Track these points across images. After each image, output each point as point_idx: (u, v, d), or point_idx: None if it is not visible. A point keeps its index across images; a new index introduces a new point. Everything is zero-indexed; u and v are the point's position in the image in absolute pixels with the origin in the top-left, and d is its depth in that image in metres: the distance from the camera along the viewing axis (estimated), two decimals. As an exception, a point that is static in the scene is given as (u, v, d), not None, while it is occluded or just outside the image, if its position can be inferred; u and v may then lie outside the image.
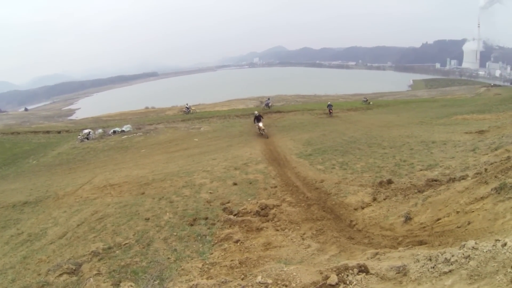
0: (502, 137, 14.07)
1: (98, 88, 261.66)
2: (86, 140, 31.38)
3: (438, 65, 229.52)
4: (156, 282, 6.46)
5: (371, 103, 50.37)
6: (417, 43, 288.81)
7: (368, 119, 32.02)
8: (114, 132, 33.61)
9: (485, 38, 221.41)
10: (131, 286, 6.41)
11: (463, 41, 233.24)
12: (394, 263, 4.51)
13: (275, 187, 12.08)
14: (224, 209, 10.29)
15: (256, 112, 25.77)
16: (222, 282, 4.95)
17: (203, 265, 7.26)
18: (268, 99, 49.42)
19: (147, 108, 73.32)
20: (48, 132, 39.60)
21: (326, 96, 67.16)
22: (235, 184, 12.65)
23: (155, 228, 9.32)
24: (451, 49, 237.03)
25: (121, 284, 6.58)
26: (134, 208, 10.96)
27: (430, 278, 3.80)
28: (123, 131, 33.76)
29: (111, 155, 24.79)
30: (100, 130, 34.66)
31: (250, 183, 12.71)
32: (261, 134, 24.09)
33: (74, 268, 7.49)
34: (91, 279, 6.90)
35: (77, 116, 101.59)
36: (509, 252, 3.49)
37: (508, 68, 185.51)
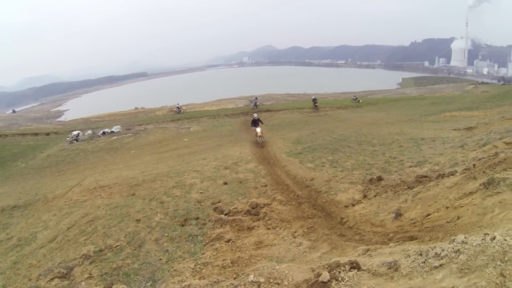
0: (490, 133, 14.23)
1: (87, 88, 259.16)
2: (75, 141, 31.12)
3: (427, 63, 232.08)
4: (149, 284, 6.43)
5: (360, 101, 50.65)
6: (406, 42, 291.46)
7: (357, 117, 32.24)
8: (104, 133, 33.38)
9: (473, 36, 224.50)
10: (123, 288, 6.38)
11: (452, 39, 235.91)
12: (385, 259, 4.53)
13: (266, 186, 12.08)
14: (215, 209, 10.26)
15: (255, 115, 22.12)
16: (215, 282, 4.93)
17: (195, 265, 7.24)
18: (256, 98, 49.18)
19: (136, 108, 72.94)
20: (36, 134, 39.10)
21: (315, 95, 67.56)
22: (225, 183, 12.62)
23: (146, 229, 9.26)
24: (439, 47, 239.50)
25: (113, 286, 6.53)
26: (125, 209, 10.87)
27: (421, 273, 3.82)
28: (112, 132, 33.55)
29: (101, 156, 24.62)
30: (89, 132, 34.40)
31: (241, 182, 12.69)
32: (257, 141, 20.72)
33: (65, 272, 7.41)
34: (83, 282, 6.85)
35: (66, 117, 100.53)
36: (498, 246, 3.52)
37: (496, 66, 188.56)
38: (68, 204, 12.91)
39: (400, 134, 18.38)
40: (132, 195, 12.56)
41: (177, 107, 49.27)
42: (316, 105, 42.11)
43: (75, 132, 32.96)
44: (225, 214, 9.78)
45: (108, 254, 8.12)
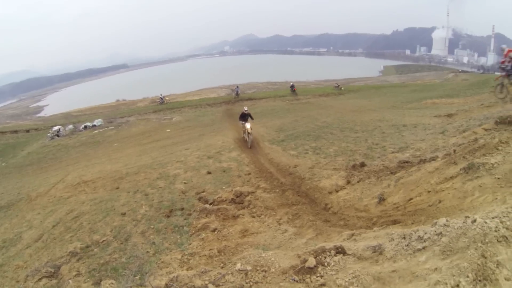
0: (470, 120, 14.47)
1: (67, 82, 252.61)
2: (56, 137, 30.63)
3: (408, 52, 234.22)
4: (137, 277, 6.40)
5: (342, 88, 51.03)
6: (388, 31, 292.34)
7: (340, 104, 32.40)
8: (85, 127, 32.96)
9: (454, 26, 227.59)
10: (112, 284, 6.30)
11: (433, 29, 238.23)
12: (370, 243, 4.60)
13: (249, 174, 12.10)
14: (199, 199, 10.24)
15: (245, 108, 17.92)
16: (202, 272, 4.93)
17: (182, 256, 7.23)
18: (237, 87, 49.13)
19: (118, 101, 72.05)
20: (16, 131, 38.42)
21: (297, 83, 67.46)
22: (209, 173, 12.58)
23: (132, 222, 9.19)
24: (421, 36, 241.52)
25: (102, 282, 6.46)
26: (110, 203, 10.77)
27: (405, 256, 3.90)
28: (94, 125, 33.16)
29: (83, 151, 24.26)
30: (70, 126, 33.93)
31: (224, 171, 12.67)
32: (245, 139, 17.20)
33: (53, 271, 7.32)
34: (70, 281, 6.78)
35: (46, 113, 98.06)
36: (479, 228, 3.60)
37: (476, 56, 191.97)
38: (52, 201, 12.69)
39: (382, 121, 18.55)
40: (116, 189, 12.42)
41: (160, 97, 48.91)
42: (294, 90, 44.19)
43: (56, 128, 32.42)
44: (210, 204, 9.76)
45: (95, 250, 8.05)
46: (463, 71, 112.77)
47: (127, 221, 9.27)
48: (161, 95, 50.48)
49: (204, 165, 13.52)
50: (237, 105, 37.25)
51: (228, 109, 34.24)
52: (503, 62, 14.37)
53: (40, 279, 7.11)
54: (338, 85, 52.61)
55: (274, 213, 8.92)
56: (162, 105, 45.27)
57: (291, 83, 49.03)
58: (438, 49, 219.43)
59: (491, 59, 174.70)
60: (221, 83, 79.30)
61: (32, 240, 9.45)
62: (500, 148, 7.25)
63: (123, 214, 9.73)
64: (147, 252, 7.61)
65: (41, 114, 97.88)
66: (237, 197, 9.88)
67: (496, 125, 9.53)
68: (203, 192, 10.76)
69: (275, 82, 76.35)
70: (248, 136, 16.71)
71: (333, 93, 46.44)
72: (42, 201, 13.04)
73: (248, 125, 16.84)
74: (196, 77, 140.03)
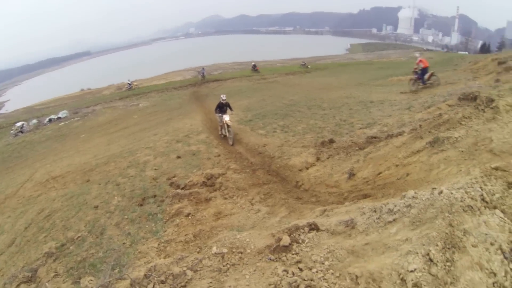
0: (434, 96, 14.86)
1: (28, 74, 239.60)
2: (20, 133, 29.24)
3: (374, 30, 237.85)
4: (116, 271, 6.30)
5: (309, 66, 50.96)
6: (355, 9, 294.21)
7: (307, 82, 32.44)
8: (50, 120, 31.71)
9: (419, 6, 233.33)
10: (91, 280, 6.19)
11: (399, 8, 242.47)
12: (342, 217, 4.70)
13: (219, 155, 12.04)
14: (171, 184, 10.12)
15: (223, 97, 14.74)
16: (179, 258, 4.92)
17: (159, 244, 7.18)
18: (203, 68, 48.10)
19: (82, 90, 69.36)
20: (-25, 132, 36.54)
21: (264, 62, 66.94)
22: (178, 157, 12.41)
23: (105, 215, 8.98)
24: (387, 15, 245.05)
25: (81, 280, 6.32)
26: (81, 197, 10.44)
27: (376, 228, 4.01)
28: (59, 118, 31.97)
29: (50, 145, 23.32)
30: (34, 121, 32.52)
31: (194, 154, 12.54)
32: (223, 135, 14.57)
33: (30, 275, 7.05)
34: (47, 284, 6.61)
35: (7, 109, 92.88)
36: (446, 199, 3.74)
37: (440, 35, 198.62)
38: (22, 202, 12.16)
39: (349, 98, 18.77)
40: (87, 182, 12.07)
41: (128, 83, 47.75)
42: (257, 69, 46.07)
43: (19, 124, 30.97)
44: (182, 189, 9.67)
45: (71, 247, 7.81)
46: (428, 50, 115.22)
47: (100, 214, 9.05)
48: (128, 80, 49.19)
49: (173, 150, 13.32)
50: (203, 87, 36.91)
51: (195, 92, 33.74)
52: (415, 68, 19.27)
53: (18, 286, 6.86)
54: (305, 64, 52.44)
55: (246, 193, 8.94)
56: (130, 90, 44.22)
57: (253, 63, 49.92)
58: (404, 28, 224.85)
59: (455, 38, 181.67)
60: (187, 65, 77.57)
61: (5, 246, 9.04)
62: (463, 122, 7.53)
63: (96, 207, 9.49)
64: (124, 243, 7.49)
65: (2, 111, 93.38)
66: (208, 179, 9.83)
67: (459, 101, 9.82)
68: (174, 177, 10.62)
69: (241, 62, 75.07)
70: (228, 131, 13.98)
71: (300, 71, 46.33)
72: (11, 203, 12.45)
73: (227, 118, 14.06)
74: (162, 60, 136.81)
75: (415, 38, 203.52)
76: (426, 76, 18.84)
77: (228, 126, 13.92)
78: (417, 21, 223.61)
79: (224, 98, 14.64)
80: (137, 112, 28.00)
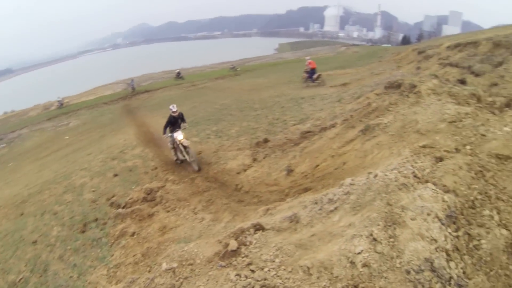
0: (362, 87, 15.61)
1: None
2: None
3: (302, 29, 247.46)
4: None
5: (238, 69, 51.31)
6: (282, 10, 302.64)
7: (237, 85, 32.52)
8: (-31, 152, 29.27)
9: (344, 4, 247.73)
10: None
11: (325, 7, 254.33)
12: (286, 214, 4.71)
13: (156, 168, 11.68)
14: (111, 204, 9.61)
15: (172, 108, 11.28)
16: (131, 282, 4.71)
17: (108, 270, 6.78)
18: (132, 80, 46.98)
19: (6, 113, 64.28)
20: None
21: (193, 68, 66.56)
22: (116, 175, 11.85)
23: (46, 249, 8.29)
24: (314, 14, 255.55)
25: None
26: (17, 234, 9.57)
27: (319, 219, 4.07)
28: (-20, 148, 29.61)
29: (-29, 182, 21.55)
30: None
31: (130, 170, 12.06)
32: (180, 160, 11.59)
33: None
34: None
35: None
36: (381, 181, 3.92)
37: (364, 30, 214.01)
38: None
39: (280, 96, 19.07)
40: (20, 215, 11.08)
41: (58, 101, 45.05)
42: (180, 76, 46.99)
43: None
44: (123, 207, 9.22)
45: (15, 292, 7.22)
46: (354, 45, 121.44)
47: (40, 249, 8.36)
48: (59, 98, 46.44)
49: (109, 168, 12.73)
50: (134, 99, 35.95)
51: (126, 105, 32.64)
52: (306, 70, 22.47)
53: None
54: (234, 66, 52.81)
55: (188, 203, 8.76)
56: (61, 109, 41.84)
57: (177, 70, 50.34)
58: (330, 26, 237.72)
59: (378, 33, 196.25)
60: (116, 78, 75.01)
61: None
62: (390, 109, 8.01)
63: (35, 242, 8.75)
64: (71, 277, 6.98)
65: None
66: (148, 194, 9.51)
67: (386, 89, 10.39)
68: (114, 196, 10.12)
69: (171, 70, 73.82)
70: (187, 153, 10.93)
71: (229, 74, 46.47)
72: None
73: (180, 136, 10.87)
74: (90, 74, 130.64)
75: (341, 34, 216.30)
76: (314, 76, 22.00)
77: (185, 147, 10.93)
78: (342, 18, 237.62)
79: (174, 109, 11.29)
80: (67, 132, 26.50)
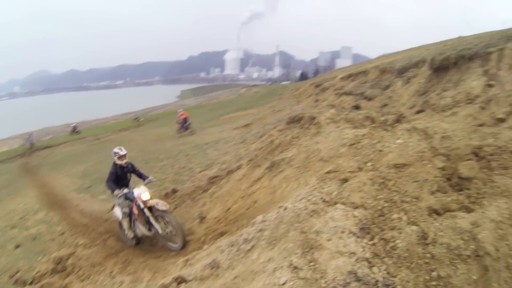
0: (265, 125, 16.29)
1: None
2: None
3: (203, 74, 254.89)
4: None
5: (142, 119, 51.26)
6: (184, 56, 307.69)
7: (140, 136, 32.23)
8: None
9: (244, 48, 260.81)
10: None
11: (225, 51, 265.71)
12: (205, 261, 4.67)
13: (63, 233, 10.62)
14: (16, 282, 8.44)
15: (120, 152, 7.84)
16: None
17: None
18: (31, 135, 42.31)
19: None
20: None
21: (96, 121, 63.91)
22: (17, 246, 10.48)
23: None
24: (215, 59, 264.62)
25: None
26: None
27: (239, 260, 4.10)
28: None
29: None
30: None
31: (35, 238, 10.78)
32: (135, 238, 8.50)
33: None
34: None
35: None
36: (291, 213, 4.13)
37: (264, 70, 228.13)
38: None
39: (184, 144, 19.14)
40: None
41: None
42: (77, 131, 45.95)
43: None
44: (30, 284, 8.22)
45: None
46: (254, 85, 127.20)
47: None
48: None
49: (9, 239, 11.24)
50: (34, 156, 33.16)
51: (24, 163, 29.75)
52: (178, 121, 25.86)
53: None
54: (137, 117, 52.68)
55: (103, 267, 8.07)
56: None
57: (73, 124, 49.50)
58: (231, 69, 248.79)
59: (277, 72, 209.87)
60: (13, 132, 68.40)
61: None
62: (293, 142, 8.51)
63: None
64: None
65: None
66: (58, 264, 8.53)
67: (287, 125, 10.99)
68: (17, 272, 8.88)
69: (73, 123, 70.50)
70: (159, 222, 7.65)
71: (133, 125, 46.37)
72: None
73: (144, 195, 7.53)
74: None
75: (241, 76, 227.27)
76: (186, 125, 25.28)
77: (151, 209, 7.59)
78: (242, 61, 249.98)
79: (122, 153, 7.87)
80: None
